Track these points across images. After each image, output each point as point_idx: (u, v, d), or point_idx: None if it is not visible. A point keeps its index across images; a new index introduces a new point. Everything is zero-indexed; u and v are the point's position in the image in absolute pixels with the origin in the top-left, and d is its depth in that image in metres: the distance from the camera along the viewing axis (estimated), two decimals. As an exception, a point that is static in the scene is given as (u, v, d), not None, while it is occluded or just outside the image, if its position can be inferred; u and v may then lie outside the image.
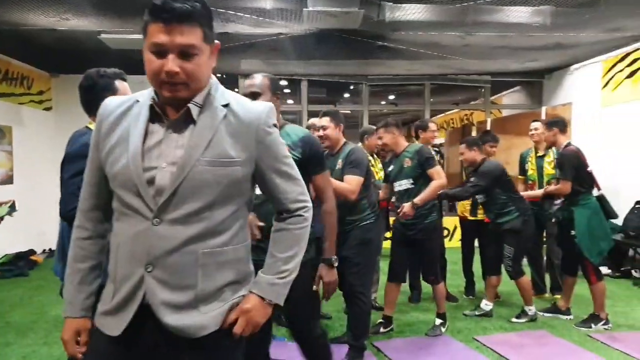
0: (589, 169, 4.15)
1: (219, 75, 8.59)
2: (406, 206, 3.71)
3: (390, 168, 4.04)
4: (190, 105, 1.30)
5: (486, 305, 4.38)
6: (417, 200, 3.71)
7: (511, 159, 7.05)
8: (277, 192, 1.42)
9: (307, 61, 7.20)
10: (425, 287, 5.01)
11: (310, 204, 1.46)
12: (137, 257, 1.28)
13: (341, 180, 3.15)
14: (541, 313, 4.37)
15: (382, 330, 3.96)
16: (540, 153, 4.93)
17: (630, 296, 5.07)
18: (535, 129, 4.87)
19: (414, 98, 9.79)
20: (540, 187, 4.84)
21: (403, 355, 3.51)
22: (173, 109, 1.31)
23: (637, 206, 5.94)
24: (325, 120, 3.31)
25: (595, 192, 4.22)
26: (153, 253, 1.27)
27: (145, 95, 1.35)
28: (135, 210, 1.28)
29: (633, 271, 5.87)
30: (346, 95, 10.46)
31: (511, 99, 9.45)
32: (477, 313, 4.37)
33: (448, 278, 5.03)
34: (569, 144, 4.18)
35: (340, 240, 3.10)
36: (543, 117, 6.39)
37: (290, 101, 9.86)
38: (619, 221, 6.08)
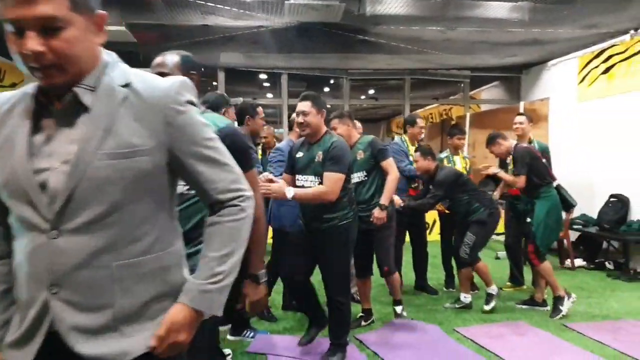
0: (543, 161, 4.38)
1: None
2: (376, 212, 3.64)
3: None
4: (76, 89, 1.08)
5: (465, 297, 4.43)
6: (383, 201, 3.67)
7: (489, 153, 7.15)
8: (202, 183, 1.18)
9: (287, 54, 7.17)
10: (408, 280, 5.07)
11: (248, 193, 1.23)
12: (38, 278, 1.07)
13: (321, 175, 2.98)
14: (519, 305, 4.45)
15: (363, 323, 3.98)
16: (524, 147, 4.99)
17: (604, 287, 5.19)
18: (520, 122, 4.93)
19: (394, 92, 9.84)
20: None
21: (385, 347, 3.54)
22: (60, 97, 1.10)
23: (611, 200, 6.07)
24: (305, 105, 2.92)
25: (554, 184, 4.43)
26: (56, 271, 1.06)
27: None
28: (29, 223, 1.07)
29: (607, 263, 6.01)
30: (326, 89, 10.45)
31: (490, 94, 9.56)
32: (457, 306, 4.43)
33: (429, 271, 5.10)
34: (517, 144, 4.39)
35: (318, 239, 3.08)
36: (520, 111, 6.47)
37: (269, 95, 9.81)
38: (593, 214, 6.23)
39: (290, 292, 3.77)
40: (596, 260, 6.13)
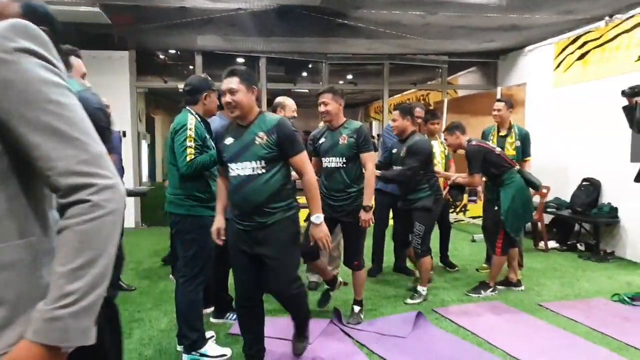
0: (497, 151, 4.36)
1: (172, 50, 8.39)
2: (362, 215, 3.50)
3: (322, 141, 3.68)
4: None
5: (423, 290, 4.25)
6: (366, 202, 3.51)
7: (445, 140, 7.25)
8: (36, 160, 0.88)
9: (266, 38, 7.10)
10: (385, 262, 5.13)
11: (107, 181, 0.90)
12: None
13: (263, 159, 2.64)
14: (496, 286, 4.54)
15: (332, 293, 3.95)
16: (503, 133, 5.04)
17: (575, 267, 5.35)
18: (498, 110, 4.98)
19: (373, 77, 9.85)
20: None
21: (365, 331, 3.59)
22: None
23: (584, 183, 6.22)
24: (233, 82, 2.59)
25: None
26: None
27: None
28: None
29: (578, 245, 6.18)
30: (305, 74, 10.40)
31: (467, 80, 9.65)
32: (417, 301, 4.16)
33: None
34: (470, 141, 4.35)
35: (258, 238, 2.70)
36: (498, 97, 6.56)
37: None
38: (567, 198, 6.39)
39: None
40: (568, 242, 6.31)
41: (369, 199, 3.55)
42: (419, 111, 4.92)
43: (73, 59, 2.07)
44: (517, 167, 4.47)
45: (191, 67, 8.44)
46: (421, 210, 4.14)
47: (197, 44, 7.43)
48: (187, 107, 3.08)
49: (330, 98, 3.53)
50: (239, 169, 2.64)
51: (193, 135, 2.93)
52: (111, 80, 7.35)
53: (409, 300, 4.17)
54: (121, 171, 4.52)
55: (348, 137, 3.55)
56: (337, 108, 3.57)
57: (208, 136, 3.05)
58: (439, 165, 5.13)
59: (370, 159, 3.58)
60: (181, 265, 3.05)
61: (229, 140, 2.70)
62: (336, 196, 3.58)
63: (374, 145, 4.16)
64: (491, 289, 4.39)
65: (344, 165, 3.57)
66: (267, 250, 2.66)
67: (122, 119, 7.37)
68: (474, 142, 4.35)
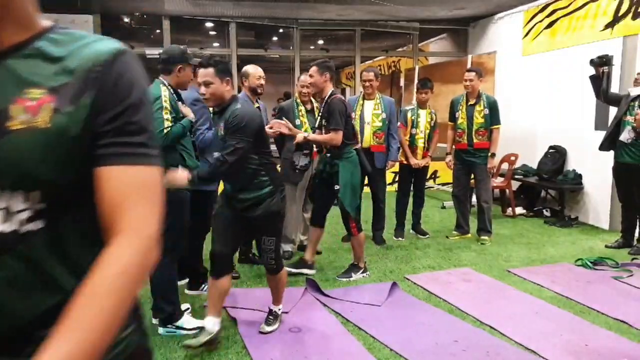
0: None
1: (138, 14, 8.09)
2: None
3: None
4: None
5: (277, 309, 3.21)
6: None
7: (438, 105, 7.28)
8: None
9: (236, 2, 6.90)
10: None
11: None
12: None
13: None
14: (288, 269, 3.54)
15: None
16: (472, 102, 5.08)
17: (542, 233, 5.53)
18: (470, 79, 5.01)
19: (344, 44, 9.75)
20: (470, 136, 5.05)
21: (340, 300, 3.66)
22: None
23: (550, 151, 6.38)
24: (312, 70, 3.37)
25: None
26: None
27: None
28: None
29: (544, 211, 6.38)
30: (275, 39, 10.21)
31: (438, 47, 9.65)
32: (272, 328, 3.13)
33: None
34: (333, 93, 3.84)
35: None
36: (469, 65, 6.58)
37: (216, 44, 9.49)
38: (534, 165, 6.54)
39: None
40: (535, 208, 6.50)
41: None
42: (365, 75, 4.85)
43: None
44: (359, 146, 4.17)
45: (158, 31, 8.18)
46: (265, 219, 2.87)
47: (165, 7, 7.17)
48: (160, 77, 3.01)
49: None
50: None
51: (168, 107, 2.88)
52: (74, 45, 7.06)
53: (264, 327, 3.11)
54: None
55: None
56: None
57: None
58: (420, 134, 5.16)
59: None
60: None
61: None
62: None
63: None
64: (362, 270, 4.09)
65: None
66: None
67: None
68: (338, 95, 3.89)
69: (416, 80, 8.02)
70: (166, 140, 2.85)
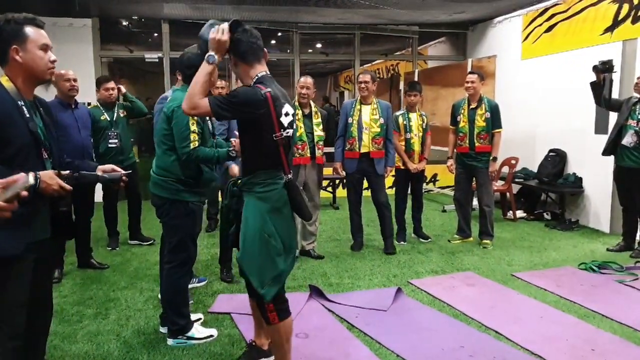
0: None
1: (137, 17, 8.07)
2: None
3: None
4: None
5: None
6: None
7: (438, 109, 7.30)
8: None
9: (236, 6, 6.90)
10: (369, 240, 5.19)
11: None
12: None
13: None
14: None
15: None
16: (473, 105, 5.08)
17: (543, 236, 5.54)
18: (472, 82, 5.02)
19: (343, 47, 9.76)
20: (471, 139, 5.05)
21: (345, 305, 3.65)
22: None
23: (550, 154, 6.39)
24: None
25: None
26: None
27: None
28: None
29: (545, 214, 6.39)
30: (273, 42, 10.20)
31: (436, 51, 9.67)
32: None
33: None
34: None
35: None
36: (469, 68, 6.60)
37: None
38: (534, 168, 6.56)
39: None
40: (535, 212, 6.51)
41: None
42: (362, 76, 4.88)
43: (30, 29, 1.86)
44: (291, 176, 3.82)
45: (157, 35, 8.16)
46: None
47: (164, 11, 7.17)
48: (184, 84, 2.80)
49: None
50: None
51: (196, 119, 2.74)
52: (74, 49, 7.06)
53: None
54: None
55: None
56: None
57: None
58: (415, 138, 5.18)
59: None
60: (166, 251, 2.98)
61: None
62: None
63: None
64: None
65: None
66: None
67: (88, 89, 7.11)
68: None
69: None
70: (189, 158, 2.74)
